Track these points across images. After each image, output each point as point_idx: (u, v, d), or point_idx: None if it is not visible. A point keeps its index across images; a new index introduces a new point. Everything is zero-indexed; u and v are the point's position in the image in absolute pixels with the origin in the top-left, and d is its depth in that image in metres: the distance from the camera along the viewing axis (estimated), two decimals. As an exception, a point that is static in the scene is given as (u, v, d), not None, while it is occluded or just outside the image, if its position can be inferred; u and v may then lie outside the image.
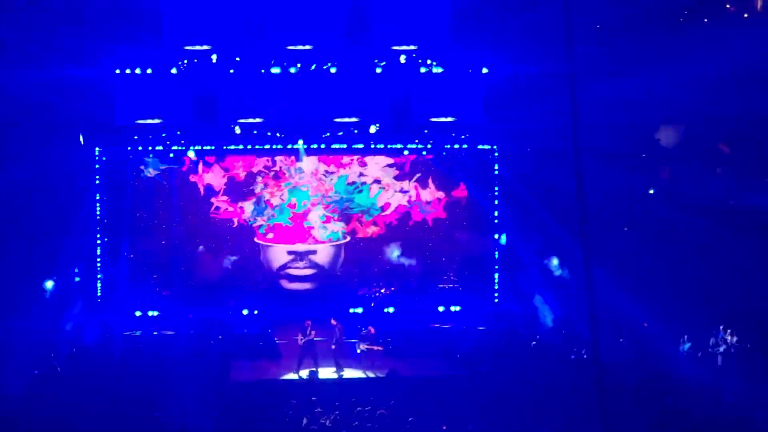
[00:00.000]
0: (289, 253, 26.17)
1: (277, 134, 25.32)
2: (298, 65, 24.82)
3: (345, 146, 25.79)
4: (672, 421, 16.91)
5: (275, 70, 24.86)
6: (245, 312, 25.11)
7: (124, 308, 25.26)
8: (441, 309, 26.28)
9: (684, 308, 23.11)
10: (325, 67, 24.92)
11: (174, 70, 24.72)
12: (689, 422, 16.70)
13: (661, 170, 26.32)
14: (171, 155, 25.55)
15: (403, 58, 25.00)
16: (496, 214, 26.47)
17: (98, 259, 25.42)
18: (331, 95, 25.23)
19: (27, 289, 23.59)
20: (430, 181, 26.48)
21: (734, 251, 23.51)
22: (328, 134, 25.49)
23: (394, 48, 25.08)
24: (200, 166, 25.87)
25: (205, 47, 24.61)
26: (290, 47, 24.81)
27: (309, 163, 25.84)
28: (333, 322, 20.86)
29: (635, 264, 24.60)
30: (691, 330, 21.75)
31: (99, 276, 25.42)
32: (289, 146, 25.54)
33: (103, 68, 24.32)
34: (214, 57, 24.66)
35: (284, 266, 26.22)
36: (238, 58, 24.83)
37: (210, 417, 17.65)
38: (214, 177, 25.93)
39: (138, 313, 25.29)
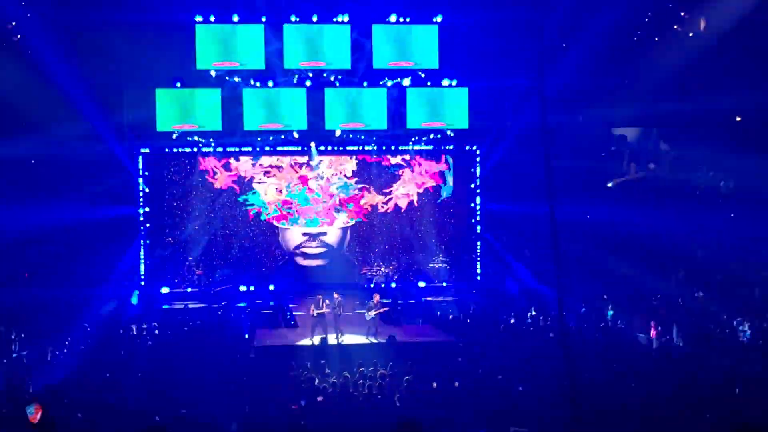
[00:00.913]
0: (304, 234, 26.00)
1: (294, 136, 24.97)
2: (308, 82, 24.60)
3: (352, 147, 25.70)
4: (626, 372, 16.79)
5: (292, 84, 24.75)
6: (272, 288, 24.98)
7: (163, 285, 25.24)
8: (431, 285, 26.15)
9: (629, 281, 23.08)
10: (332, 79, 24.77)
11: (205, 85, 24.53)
12: (635, 372, 16.56)
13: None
14: (203, 155, 25.43)
15: (407, 81, 24.95)
16: (477, 205, 26.09)
17: (142, 242, 25.31)
18: (339, 104, 24.87)
19: (90, 269, 23.53)
20: (423, 175, 26.20)
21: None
22: (336, 136, 25.23)
23: (392, 66, 24.81)
24: (226, 163, 25.67)
25: (234, 65, 24.25)
26: (304, 64, 24.51)
27: (319, 161, 25.56)
28: (335, 295, 20.50)
29: (593, 246, 24.47)
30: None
31: (142, 257, 25.30)
32: (304, 147, 25.46)
33: (144, 84, 24.11)
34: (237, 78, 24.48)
35: (299, 246, 26.07)
36: (260, 74, 24.56)
37: (237, 378, 17.50)
38: (238, 172, 25.75)
39: (171, 290, 25.26)
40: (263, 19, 24.01)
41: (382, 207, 26.22)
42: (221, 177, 25.59)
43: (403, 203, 26.27)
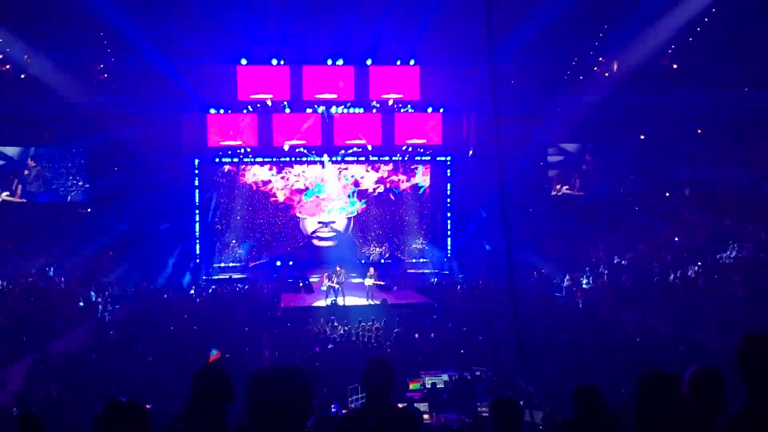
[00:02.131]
0: (318, 222, 25.78)
1: (312, 151, 24.98)
2: (322, 109, 24.66)
3: (354, 158, 25.47)
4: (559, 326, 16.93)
5: (309, 110, 24.74)
6: (291, 263, 24.75)
7: (213, 262, 25.04)
8: (414, 261, 26.06)
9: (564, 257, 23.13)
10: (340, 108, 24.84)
11: (244, 111, 24.59)
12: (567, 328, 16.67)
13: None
14: (243, 165, 25.23)
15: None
16: (448, 200, 26.20)
17: (197, 232, 25.12)
18: (344, 125, 24.97)
19: (155, 255, 23.56)
20: (404, 177, 26.15)
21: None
22: (342, 151, 25.15)
23: (384, 96, 24.92)
24: (259, 169, 25.43)
25: (266, 96, 24.38)
26: (319, 96, 24.63)
27: (330, 168, 25.47)
28: (338, 268, 20.46)
29: (535, 231, 24.64)
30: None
31: (197, 241, 25.11)
32: (318, 158, 25.22)
33: (199, 110, 24.13)
34: (269, 101, 24.48)
35: (315, 231, 25.80)
36: (285, 102, 24.58)
37: (268, 329, 17.61)
38: (268, 176, 25.53)
39: (222, 264, 25.04)
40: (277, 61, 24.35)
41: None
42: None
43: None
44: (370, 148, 25.16)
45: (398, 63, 24.68)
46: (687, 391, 3.59)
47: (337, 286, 19.98)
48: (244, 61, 24.05)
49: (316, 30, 23.11)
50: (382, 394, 3.90)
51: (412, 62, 24.76)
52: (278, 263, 24.56)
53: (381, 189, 25.81)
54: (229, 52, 23.43)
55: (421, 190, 26.07)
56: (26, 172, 23.42)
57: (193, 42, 21.77)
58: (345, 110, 24.84)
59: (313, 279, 22.74)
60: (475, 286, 22.14)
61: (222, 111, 24.38)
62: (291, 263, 24.53)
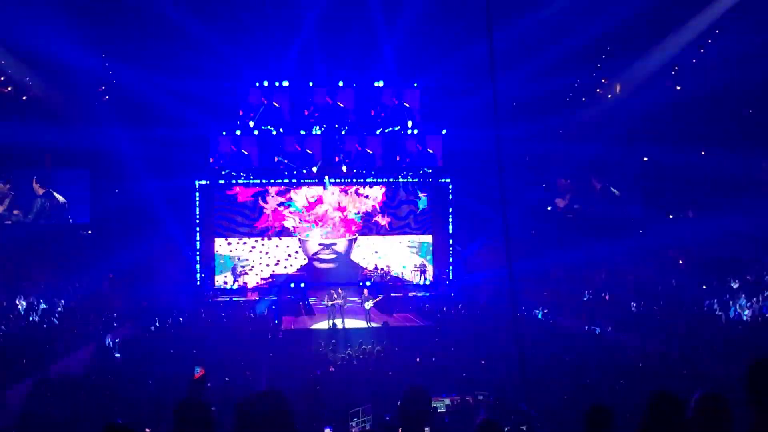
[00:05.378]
0: (320, 244, 25.78)
1: (313, 170, 25.15)
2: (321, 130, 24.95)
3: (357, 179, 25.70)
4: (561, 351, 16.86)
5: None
6: (292, 285, 24.57)
7: (213, 284, 25.04)
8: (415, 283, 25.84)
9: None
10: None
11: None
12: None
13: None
14: (244, 185, 25.36)
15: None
16: (450, 224, 26.24)
17: (197, 251, 25.11)
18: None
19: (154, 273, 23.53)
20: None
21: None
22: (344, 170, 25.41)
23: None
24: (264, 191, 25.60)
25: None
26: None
27: (330, 189, 25.55)
28: (339, 291, 20.43)
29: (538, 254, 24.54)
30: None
31: (198, 260, 25.08)
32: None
33: (202, 132, 24.38)
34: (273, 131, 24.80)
35: (316, 253, 25.77)
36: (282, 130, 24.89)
37: (268, 354, 17.52)
38: (270, 197, 25.63)
39: (220, 287, 24.99)
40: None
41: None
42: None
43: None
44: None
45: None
46: (692, 416, 3.62)
47: (339, 302, 19.96)
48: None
49: (320, 52, 23.42)
50: (420, 426, 3.87)
51: (415, 84, 25.12)
52: (278, 284, 24.50)
53: (379, 218, 25.97)
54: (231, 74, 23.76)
55: (421, 208, 26.19)
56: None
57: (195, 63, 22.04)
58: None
59: (313, 300, 22.70)
60: (476, 307, 22.08)
61: (224, 133, 24.62)
62: (292, 285, 24.47)
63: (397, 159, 25.43)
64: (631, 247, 23.17)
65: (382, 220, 25.94)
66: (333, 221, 25.67)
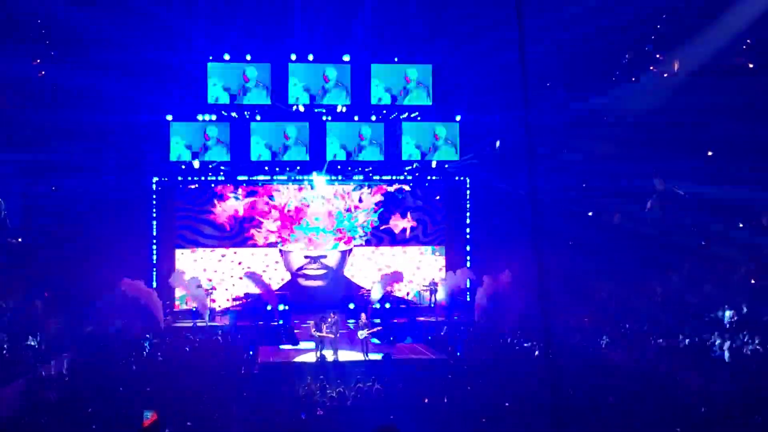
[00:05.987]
0: (306, 257, 25.81)
1: (297, 168, 25.29)
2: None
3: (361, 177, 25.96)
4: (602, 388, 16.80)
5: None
6: (269, 308, 24.41)
7: (172, 305, 25.09)
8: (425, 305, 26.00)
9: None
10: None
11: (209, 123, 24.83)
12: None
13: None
14: (215, 183, 25.53)
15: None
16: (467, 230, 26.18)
17: (154, 261, 25.10)
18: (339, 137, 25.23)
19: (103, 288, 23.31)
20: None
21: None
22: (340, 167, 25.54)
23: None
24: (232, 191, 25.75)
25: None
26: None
27: (319, 187, 25.67)
28: (333, 315, 20.34)
29: (574, 268, 24.43)
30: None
31: (155, 276, 25.10)
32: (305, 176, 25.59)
33: (157, 118, 24.41)
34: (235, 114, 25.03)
35: (301, 268, 25.84)
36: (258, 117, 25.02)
37: (241, 394, 17.45)
38: (243, 201, 25.76)
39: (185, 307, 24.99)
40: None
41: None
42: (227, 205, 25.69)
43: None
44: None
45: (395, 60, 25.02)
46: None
47: (330, 336, 19.86)
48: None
49: (305, 22, 23.44)
50: None
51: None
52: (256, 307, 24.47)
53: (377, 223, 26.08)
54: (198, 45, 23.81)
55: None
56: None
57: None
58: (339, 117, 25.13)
59: (297, 330, 22.65)
60: (500, 336, 22.02)
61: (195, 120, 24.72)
62: (269, 308, 24.36)
63: (400, 151, 25.50)
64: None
65: (402, 223, 25.99)
66: (324, 226, 25.71)
